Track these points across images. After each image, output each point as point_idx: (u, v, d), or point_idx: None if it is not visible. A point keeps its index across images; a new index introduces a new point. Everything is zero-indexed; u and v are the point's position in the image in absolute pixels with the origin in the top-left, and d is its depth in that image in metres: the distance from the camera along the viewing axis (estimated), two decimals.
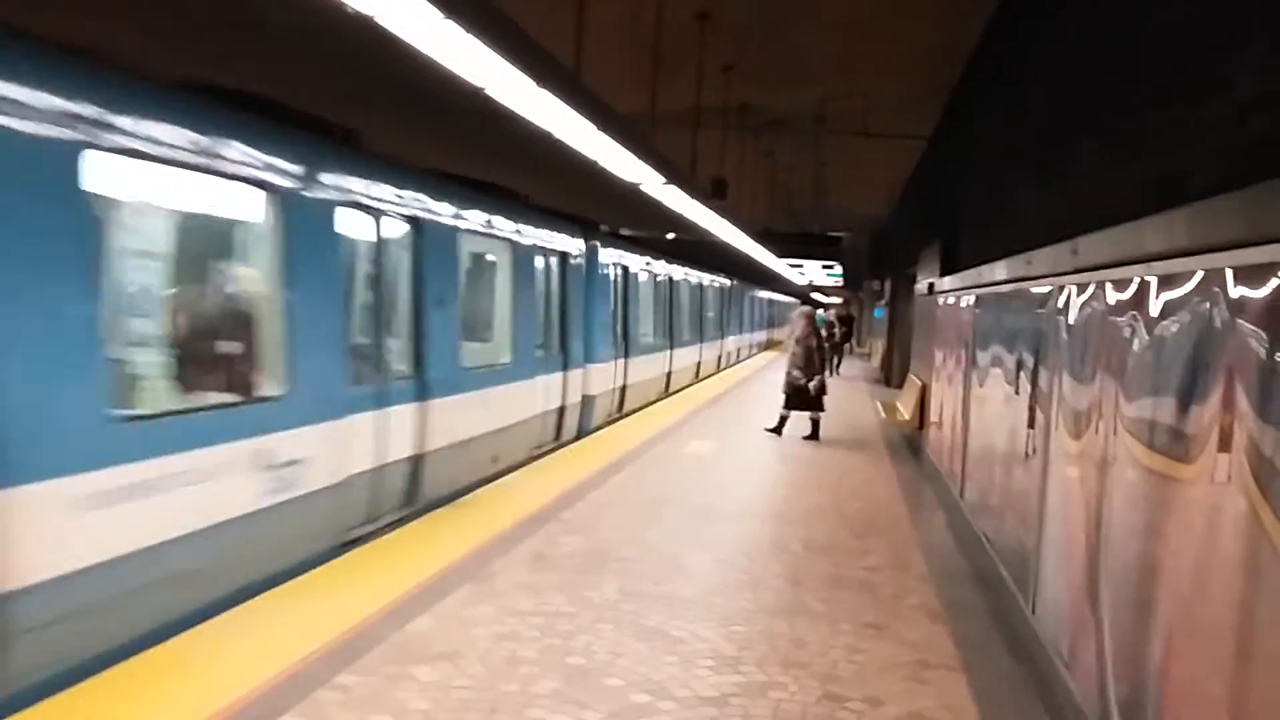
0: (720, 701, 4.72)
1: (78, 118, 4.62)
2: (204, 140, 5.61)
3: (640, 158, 8.63)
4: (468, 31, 4.49)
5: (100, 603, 4.74)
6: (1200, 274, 3.40)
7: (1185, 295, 3.52)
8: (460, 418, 9.00)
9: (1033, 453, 6.00)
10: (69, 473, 4.55)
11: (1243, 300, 3.03)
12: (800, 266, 29.40)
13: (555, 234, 12.37)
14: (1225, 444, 3.09)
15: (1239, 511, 2.95)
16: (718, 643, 5.50)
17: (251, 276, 6.56)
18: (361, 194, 7.38)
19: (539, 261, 11.82)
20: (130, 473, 4.92)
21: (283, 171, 6.38)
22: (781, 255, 24.67)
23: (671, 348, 20.59)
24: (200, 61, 10.66)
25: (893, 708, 4.76)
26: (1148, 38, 4.83)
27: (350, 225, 7.28)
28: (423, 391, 8.29)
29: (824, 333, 29.68)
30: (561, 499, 8.97)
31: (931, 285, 12.83)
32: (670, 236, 24.71)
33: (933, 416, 12.28)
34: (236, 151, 5.91)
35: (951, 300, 10.82)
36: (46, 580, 4.41)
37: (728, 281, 29.78)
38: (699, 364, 24.35)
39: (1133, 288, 4.16)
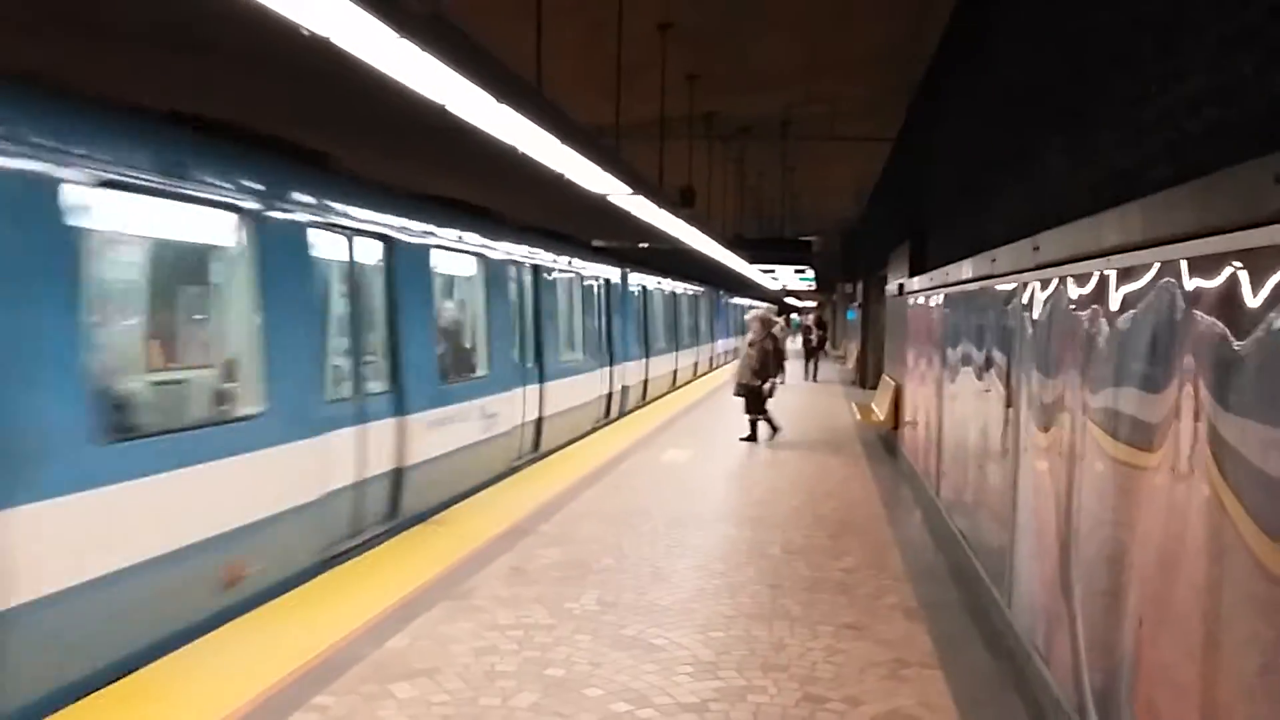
0: (700, 707, 4.73)
1: (431, 234, 9.34)
2: (461, 233, 10.28)
3: (605, 168, 8.65)
4: (424, 50, 4.49)
5: (432, 479, 8.85)
6: (1156, 266, 3.45)
7: (1143, 287, 3.57)
8: (560, 396, 13.45)
9: (1004, 448, 6.05)
10: (424, 409, 8.78)
11: (1198, 291, 3.08)
12: (773, 272, 29.49)
13: (604, 266, 17.21)
14: (1186, 432, 3.14)
15: (1202, 498, 2.99)
16: (697, 649, 5.52)
17: (475, 308, 11.01)
18: (513, 252, 11.88)
19: (595, 287, 16.55)
20: (437, 416, 9.05)
21: (485, 245, 10.93)
22: (753, 261, 24.76)
23: (678, 350, 25.15)
24: (162, 87, 10.63)
25: (872, 707, 4.78)
26: (1102, 32, 4.89)
27: (509, 273, 11.71)
28: (542, 377, 12.71)
29: (801, 337, 30.16)
30: (539, 512, 8.97)
31: (901, 286, 12.91)
32: (644, 246, 25.27)
33: (907, 416, 12.35)
34: (470, 237, 10.54)
35: (921, 300, 10.90)
36: (421, 462, 8.61)
37: (716, 292, 33.96)
38: (696, 364, 28.68)
39: (1093, 282, 4.21)
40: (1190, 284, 3.15)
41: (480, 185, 15.11)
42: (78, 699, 4.61)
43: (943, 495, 8.84)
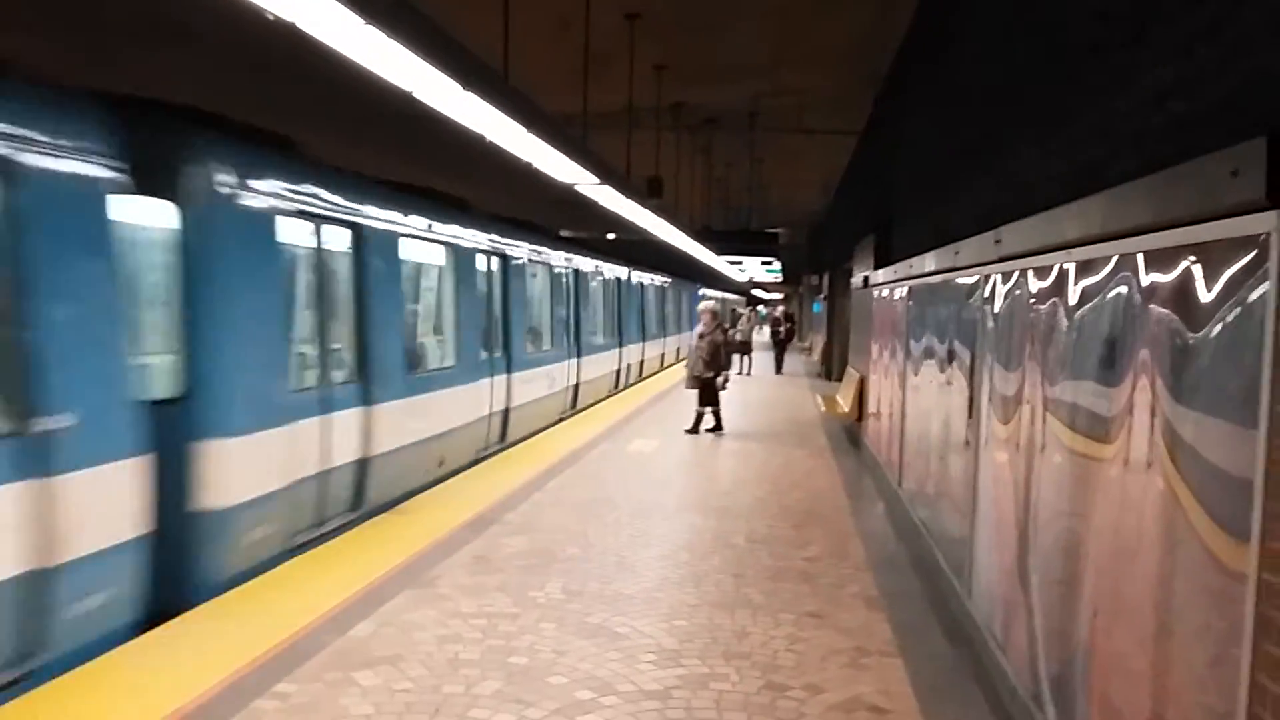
0: (663, 695, 4.76)
1: (520, 250, 13.57)
2: (537, 247, 14.40)
3: (572, 158, 8.63)
4: (390, 36, 4.47)
5: (522, 419, 12.94)
6: (1115, 259, 3.50)
7: (1102, 280, 3.62)
8: (589, 369, 18.00)
9: (965, 440, 6.11)
10: (519, 370, 12.91)
11: (1155, 284, 3.13)
12: (740, 263, 29.57)
13: (617, 267, 21.72)
14: (1142, 425, 3.18)
15: (1157, 490, 3.04)
16: (661, 637, 5.54)
17: (544, 300, 15.39)
18: (568, 259, 16.68)
19: (612, 284, 21.15)
20: (525, 375, 13.13)
21: (549, 256, 15.45)
22: (721, 253, 24.84)
23: (664, 335, 29.38)
24: (126, 72, 10.50)
25: (832, 694, 4.83)
26: (1068, 25, 4.93)
27: (561, 275, 16.31)
28: (579, 353, 17.25)
29: (770, 329, 30.41)
30: (504, 501, 8.96)
31: (867, 278, 12.97)
32: (612, 238, 25.46)
33: (871, 408, 12.42)
34: (540, 250, 14.76)
35: (886, 292, 10.96)
36: (517, 406, 12.76)
37: (695, 286, 38.38)
38: (679, 349, 32.02)
39: (1053, 274, 4.26)
40: (1147, 277, 3.19)
41: (448, 172, 15.06)
42: (389, 508, 8.51)
43: (905, 486, 8.91)
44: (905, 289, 9.22)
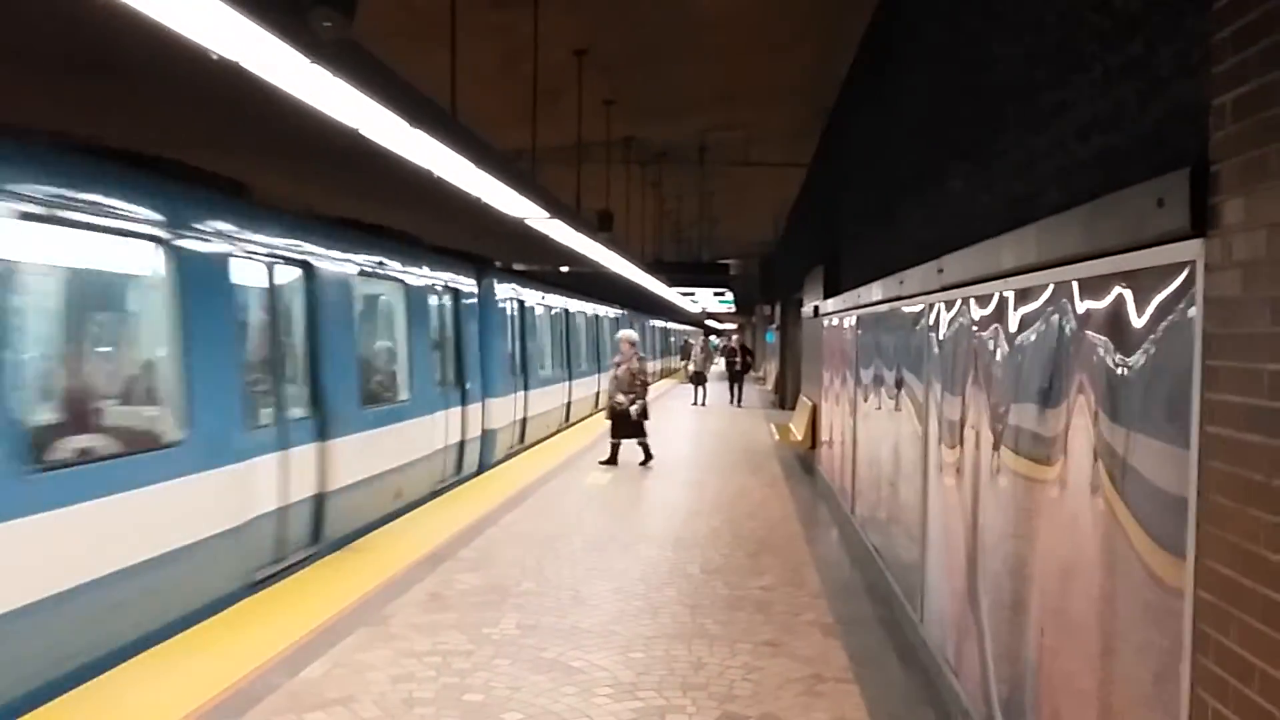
0: None
1: (575, 304, 22.83)
2: (596, 306, 25.81)
3: (522, 193, 8.66)
4: (336, 75, 4.48)
5: (579, 410, 21.94)
6: (1051, 287, 3.59)
7: (1039, 307, 3.70)
8: (607, 384, 23.20)
9: (914, 466, 6.19)
10: (576, 380, 21.80)
11: (1088, 310, 3.21)
12: (692, 294, 29.74)
13: (613, 309, 28.06)
14: (1080, 447, 3.26)
15: (1098, 510, 3.10)
16: (617, 670, 5.54)
17: (588, 334, 24.27)
18: (607, 310, 26.97)
19: (613, 323, 27.34)
20: (579, 382, 22.27)
21: (594, 307, 25.19)
22: (673, 284, 25.01)
23: (657, 358, 38.02)
24: (66, 109, 10.41)
25: None
26: (1000, 62, 5.05)
27: (597, 319, 25.35)
28: (600, 370, 23.46)
29: (725, 359, 30.72)
30: (458, 537, 8.90)
31: (817, 308, 13.10)
32: (565, 270, 25.83)
33: (824, 436, 12.52)
34: (586, 303, 23.89)
35: (835, 321, 11.08)
36: (575, 400, 21.63)
37: (666, 323, 45.66)
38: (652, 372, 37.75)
39: (993, 302, 4.35)
40: (1082, 304, 3.28)
41: (400, 209, 15.03)
42: (530, 448, 16.14)
43: (858, 513, 8.98)
44: (854, 318, 9.34)
